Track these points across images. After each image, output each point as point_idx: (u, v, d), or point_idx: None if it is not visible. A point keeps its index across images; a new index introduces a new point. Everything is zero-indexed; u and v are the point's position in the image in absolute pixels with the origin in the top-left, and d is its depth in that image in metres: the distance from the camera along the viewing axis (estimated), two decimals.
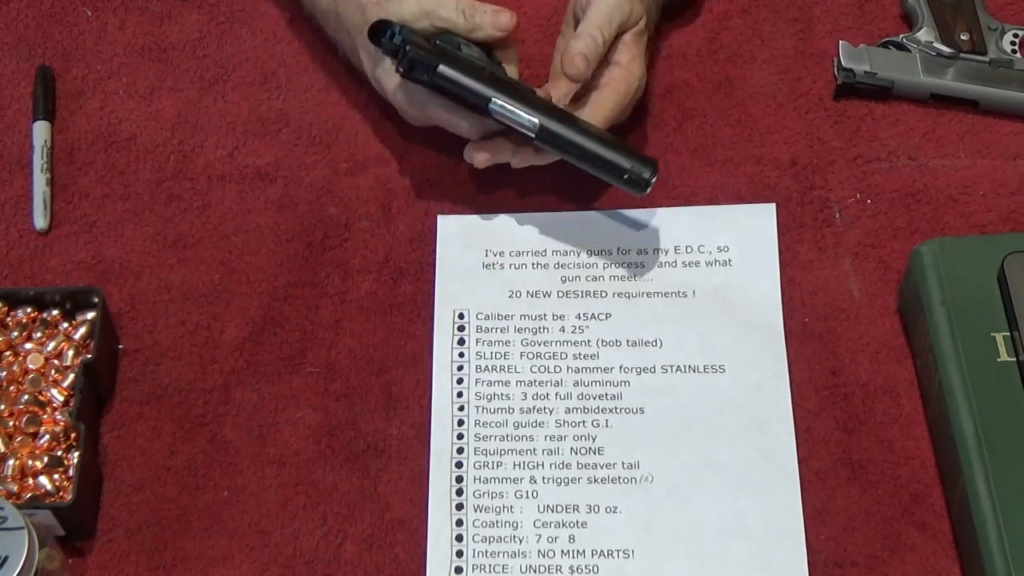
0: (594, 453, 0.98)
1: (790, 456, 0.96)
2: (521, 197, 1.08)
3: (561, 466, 0.97)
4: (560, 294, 1.04)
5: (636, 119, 1.11)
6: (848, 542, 0.94)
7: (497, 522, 0.96)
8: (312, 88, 1.15)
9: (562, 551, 0.94)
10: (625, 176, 0.99)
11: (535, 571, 0.94)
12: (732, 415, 0.98)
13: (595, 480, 0.97)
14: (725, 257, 1.04)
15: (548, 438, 0.98)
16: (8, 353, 1.01)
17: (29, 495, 0.95)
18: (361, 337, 1.02)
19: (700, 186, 1.08)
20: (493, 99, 0.99)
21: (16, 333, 1.01)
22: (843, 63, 1.10)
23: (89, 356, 0.99)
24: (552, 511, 0.96)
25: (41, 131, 1.13)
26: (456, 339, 1.02)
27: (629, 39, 1.04)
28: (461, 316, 1.03)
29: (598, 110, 1.03)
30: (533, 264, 1.05)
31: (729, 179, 1.08)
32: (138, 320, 1.05)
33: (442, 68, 0.98)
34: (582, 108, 1.03)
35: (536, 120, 0.99)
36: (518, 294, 1.04)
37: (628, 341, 1.01)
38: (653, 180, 0.99)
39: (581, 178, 1.07)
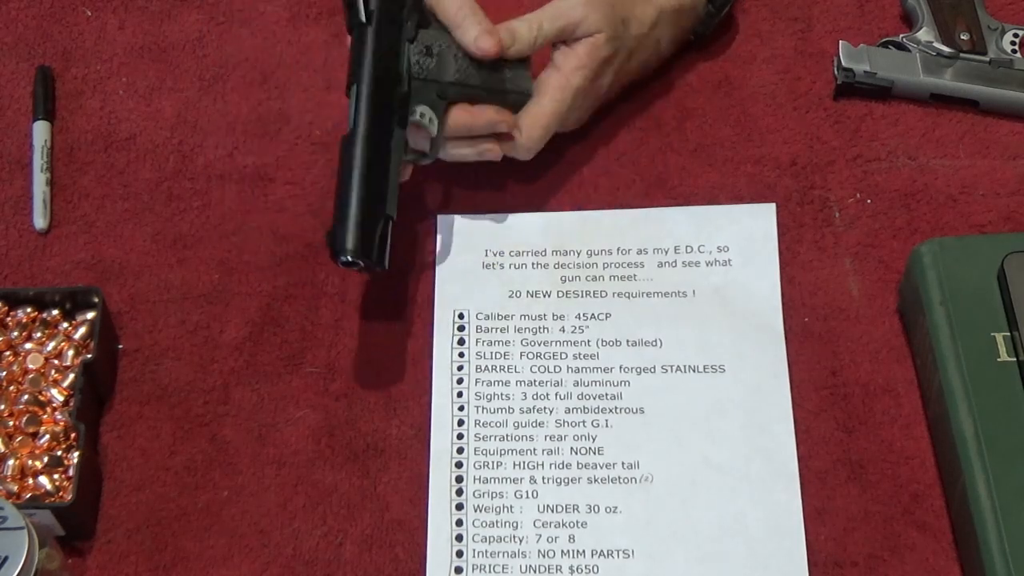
0: (594, 453, 0.98)
1: (790, 456, 0.96)
2: (521, 197, 1.08)
3: (561, 466, 0.97)
4: (560, 294, 1.04)
5: (635, 119, 1.11)
6: (848, 542, 0.94)
7: (497, 522, 0.96)
8: (312, 88, 1.15)
9: (562, 551, 0.94)
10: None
11: (535, 571, 0.94)
12: (732, 415, 0.98)
13: (595, 480, 0.97)
14: (725, 257, 1.04)
15: (548, 438, 0.98)
16: (8, 353, 1.01)
17: (29, 495, 0.95)
18: (361, 337, 1.02)
19: (700, 186, 1.08)
20: (353, 86, 0.98)
21: (16, 333, 1.01)
22: (843, 63, 1.10)
23: (89, 356, 0.99)
24: (552, 511, 0.96)
25: (41, 131, 1.13)
26: (456, 339, 1.02)
27: (581, 49, 1.03)
28: (461, 316, 1.03)
29: (534, 118, 1.02)
30: (533, 264, 1.05)
31: (729, 179, 1.08)
32: (138, 320, 1.05)
33: (368, 31, 0.98)
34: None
35: (351, 126, 0.98)
36: (518, 294, 1.04)
37: (628, 341, 1.01)
38: (343, 258, 0.95)
39: (581, 178, 1.07)
